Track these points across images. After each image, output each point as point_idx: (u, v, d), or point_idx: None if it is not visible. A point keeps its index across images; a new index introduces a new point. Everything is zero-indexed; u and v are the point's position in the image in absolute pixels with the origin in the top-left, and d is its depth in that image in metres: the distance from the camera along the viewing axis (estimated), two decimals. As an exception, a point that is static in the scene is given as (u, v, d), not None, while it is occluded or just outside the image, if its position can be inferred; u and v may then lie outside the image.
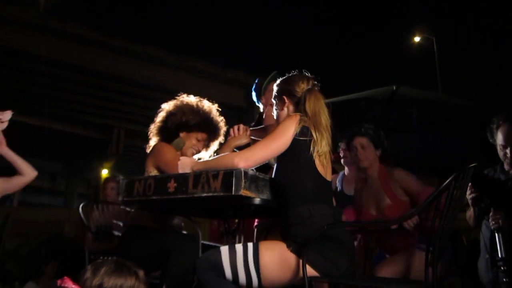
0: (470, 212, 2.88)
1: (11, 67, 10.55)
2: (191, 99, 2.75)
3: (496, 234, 2.55)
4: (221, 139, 2.82)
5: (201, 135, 2.72)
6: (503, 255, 2.49)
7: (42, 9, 11.21)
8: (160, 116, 2.73)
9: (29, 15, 9.87)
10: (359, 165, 2.81)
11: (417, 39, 16.35)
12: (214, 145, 2.83)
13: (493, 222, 2.59)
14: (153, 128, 2.73)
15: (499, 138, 2.74)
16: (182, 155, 2.65)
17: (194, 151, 2.73)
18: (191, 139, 2.69)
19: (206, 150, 2.82)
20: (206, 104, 2.76)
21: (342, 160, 3.84)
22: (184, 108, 2.69)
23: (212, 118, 2.75)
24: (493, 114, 2.91)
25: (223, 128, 2.80)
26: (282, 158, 1.94)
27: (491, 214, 2.62)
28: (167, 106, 2.73)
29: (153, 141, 2.72)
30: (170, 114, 2.68)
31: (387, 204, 2.57)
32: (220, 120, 2.79)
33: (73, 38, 10.25)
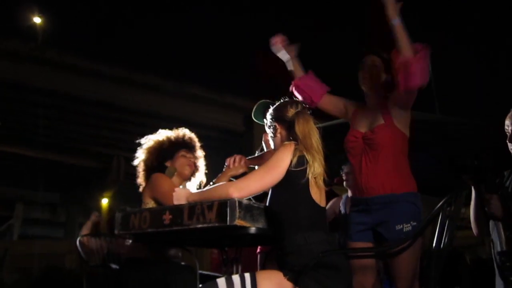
0: (472, 211, 2.34)
1: (9, 99, 10.62)
2: (153, 137, 2.85)
3: (495, 224, 2.18)
4: (201, 151, 2.92)
5: (182, 152, 2.80)
6: (504, 248, 2.11)
7: (40, 41, 11.35)
8: (140, 167, 2.82)
9: (26, 47, 9.98)
10: (363, 82, 2.53)
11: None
12: (201, 159, 2.92)
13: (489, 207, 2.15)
14: (140, 177, 2.81)
15: None
16: (182, 177, 2.74)
17: (190, 168, 2.80)
18: (179, 160, 2.77)
19: (196, 168, 2.87)
20: (160, 132, 2.88)
21: (344, 183, 3.86)
22: (154, 146, 2.80)
23: (176, 134, 2.86)
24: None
25: (192, 135, 2.91)
26: (276, 186, 1.95)
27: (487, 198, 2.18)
28: (139, 158, 2.83)
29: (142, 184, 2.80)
30: (146, 159, 2.79)
31: (380, 123, 2.39)
32: (185, 132, 2.90)
33: (71, 68, 10.35)
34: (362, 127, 2.47)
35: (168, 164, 2.75)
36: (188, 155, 2.82)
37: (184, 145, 2.84)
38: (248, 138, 11.72)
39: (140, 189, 2.76)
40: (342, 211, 3.84)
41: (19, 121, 11.70)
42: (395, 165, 2.34)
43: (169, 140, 2.82)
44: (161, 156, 2.77)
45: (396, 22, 2.23)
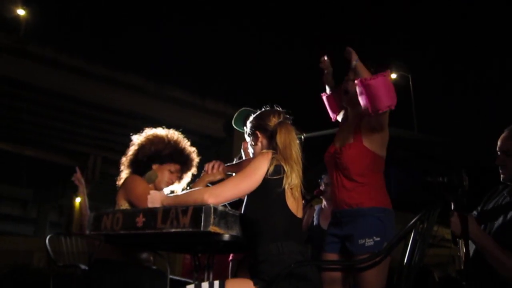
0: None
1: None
2: (161, 131, 2.73)
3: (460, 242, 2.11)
4: (193, 170, 2.80)
5: (174, 167, 2.69)
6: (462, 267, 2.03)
7: (22, 34, 11.17)
8: (131, 149, 2.69)
9: (7, 40, 9.82)
10: (343, 98, 2.55)
11: (393, 76, 16.71)
12: (187, 177, 2.81)
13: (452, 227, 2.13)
14: (125, 161, 2.69)
15: None
16: (156, 188, 2.62)
17: (167, 184, 2.70)
18: (164, 171, 2.66)
19: (179, 182, 2.79)
20: (176, 135, 2.74)
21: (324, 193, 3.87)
22: (155, 140, 2.67)
23: (184, 148, 2.73)
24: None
25: (195, 158, 2.79)
26: (252, 194, 1.95)
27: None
28: (137, 139, 2.70)
29: (124, 173, 2.69)
30: (141, 147, 2.66)
31: (348, 142, 2.41)
32: (192, 151, 2.78)
33: (51, 63, 10.21)
34: (337, 143, 2.51)
35: (154, 166, 2.64)
36: (176, 173, 2.71)
37: (180, 162, 2.72)
38: (228, 144, 11.71)
39: (117, 181, 2.67)
40: (315, 222, 3.85)
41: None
42: (362, 182, 2.36)
43: (174, 147, 2.68)
44: (156, 155, 2.64)
45: (355, 62, 2.36)
